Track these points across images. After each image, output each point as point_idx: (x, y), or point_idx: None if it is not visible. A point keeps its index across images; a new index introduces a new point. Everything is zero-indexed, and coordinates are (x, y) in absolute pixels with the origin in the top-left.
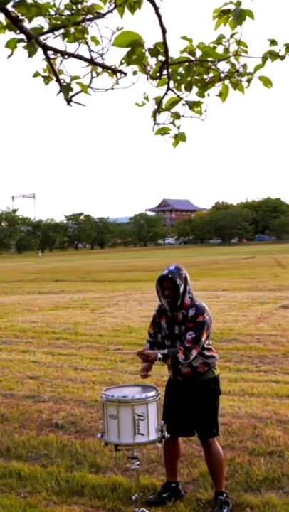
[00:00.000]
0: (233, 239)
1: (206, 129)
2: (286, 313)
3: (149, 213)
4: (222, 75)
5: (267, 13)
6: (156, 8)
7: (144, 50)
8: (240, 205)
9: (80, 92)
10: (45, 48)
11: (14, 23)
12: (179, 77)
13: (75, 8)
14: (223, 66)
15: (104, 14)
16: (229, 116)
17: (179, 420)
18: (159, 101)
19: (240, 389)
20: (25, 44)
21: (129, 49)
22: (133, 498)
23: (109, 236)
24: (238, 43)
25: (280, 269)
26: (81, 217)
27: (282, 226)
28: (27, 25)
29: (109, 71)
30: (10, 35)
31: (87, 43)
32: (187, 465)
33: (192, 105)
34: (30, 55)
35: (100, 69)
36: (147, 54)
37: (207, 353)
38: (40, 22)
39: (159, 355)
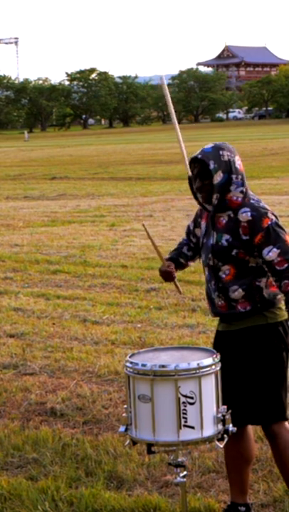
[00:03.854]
0: None
1: None
2: None
3: (203, 69)
4: None
5: None
6: None
7: None
8: None
9: None
10: None
11: None
12: None
13: None
14: None
15: None
16: None
17: (235, 398)
18: None
19: None
20: None
21: None
22: None
23: (137, 106)
24: None
25: None
26: (93, 76)
27: None
28: None
29: None
30: None
31: None
32: (264, 477)
33: None
34: None
35: None
36: None
37: (262, 284)
38: None
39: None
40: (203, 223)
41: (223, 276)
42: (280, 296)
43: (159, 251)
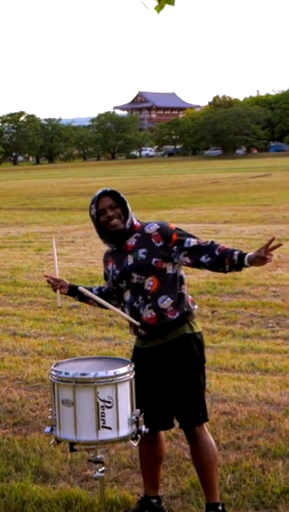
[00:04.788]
0: (238, 149)
1: None
2: None
3: (119, 112)
4: None
5: None
6: None
7: None
8: (248, 101)
9: None
10: None
11: None
12: None
13: None
14: None
15: None
16: None
17: (155, 407)
18: None
19: (249, 363)
20: None
21: None
22: None
23: (61, 145)
24: None
25: None
26: (22, 119)
27: None
28: None
29: None
30: None
31: None
32: (173, 472)
33: None
34: None
35: None
36: None
37: (184, 291)
38: None
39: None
40: (110, 265)
41: (149, 288)
42: (195, 311)
43: (56, 263)
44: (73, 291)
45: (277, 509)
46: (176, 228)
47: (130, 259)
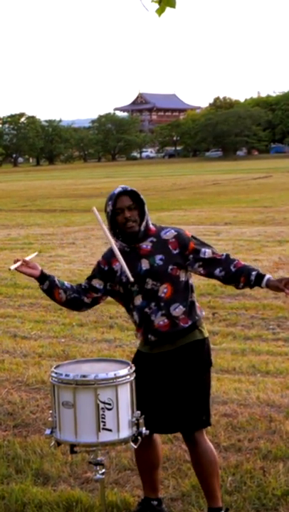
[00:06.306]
0: (239, 150)
1: None
2: None
3: (120, 114)
4: None
5: None
6: None
7: None
8: (249, 103)
9: None
10: None
11: None
12: None
13: None
14: None
15: None
16: None
17: (154, 409)
18: None
19: (250, 365)
20: None
21: None
22: None
23: (61, 146)
24: None
25: None
26: (22, 120)
27: None
28: None
29: None
30: None
31: None
32: (174, 474)
33: None
34: None
35: None
36: None
37: (194, 298)
38: None
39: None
40: (117, 264)
41: (163, 295)
42: (203, 318)
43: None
44: (43, 278)
45: (278, 511)
46: (192, 236)
47: (145, 264)
